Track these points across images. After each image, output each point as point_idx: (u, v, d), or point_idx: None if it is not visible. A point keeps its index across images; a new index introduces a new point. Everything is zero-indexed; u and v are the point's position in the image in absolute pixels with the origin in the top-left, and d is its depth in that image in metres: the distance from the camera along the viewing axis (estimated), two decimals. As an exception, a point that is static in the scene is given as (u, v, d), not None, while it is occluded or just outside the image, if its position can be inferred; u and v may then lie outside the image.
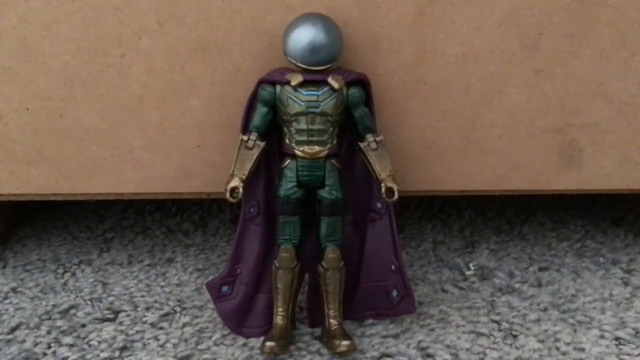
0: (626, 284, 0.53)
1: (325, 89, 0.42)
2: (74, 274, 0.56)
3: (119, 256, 0.59)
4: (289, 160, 0.43)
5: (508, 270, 0.55)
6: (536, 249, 0.59)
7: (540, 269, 0.55)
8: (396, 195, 0.43)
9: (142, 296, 0.52)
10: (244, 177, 0.42)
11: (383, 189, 0.43)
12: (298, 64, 0.43)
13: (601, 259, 0.57)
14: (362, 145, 0.44)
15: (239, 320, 0.45)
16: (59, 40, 0.46)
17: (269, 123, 0.43)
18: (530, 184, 0.51)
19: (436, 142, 0.49)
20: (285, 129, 0.43)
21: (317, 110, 0.42)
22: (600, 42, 0.47)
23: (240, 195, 0.41)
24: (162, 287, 0.53)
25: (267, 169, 0.45)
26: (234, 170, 0.42)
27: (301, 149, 0.43)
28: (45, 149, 0.49)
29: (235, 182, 0.42)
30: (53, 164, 0.49)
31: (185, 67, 0.47)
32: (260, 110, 0.43)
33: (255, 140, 0.43)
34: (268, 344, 0.41)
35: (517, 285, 0.53)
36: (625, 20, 0.47)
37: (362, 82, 0.44)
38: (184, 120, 0.48)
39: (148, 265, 0.57)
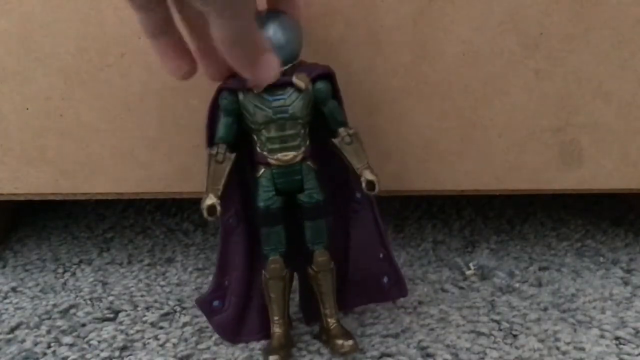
0: (626, 283, 0.53)
1: (291, 90, 0.40)
2: (73, 274, 0.56)
3: (119, 256, 0.59)
4: (263, 169, 0.41)
5: (508, 270, 0.55)
6: (536, 249, 0.59)
7: (541, 269, 0.55)
8: (377, 188, 0.41)
9: (142, 296, 0.52)
10: (219, 192, 0.40)
11: (364, 183, 0.41)
12: None
13: (601, 259, 0.57)
14: (335, 141, 0.42)
15: (235, 331, 0.45)
16: (59, 40, 0.46)
17: (235, 132, 0.41)
18: (530, 184, 0.51)
19: (436, 142, 0.49)
20: (254, 136, 0.41)
21: (287, 115, 0.40)
22: (600, 42, 0.47)
23: (218, 213, 0.39)
24: (162, 286, 0.53)
25: (239, 176, 0.43)
26: (207, 188, 0.40)
27: (275, 157, 0.40)
28: (45, 149, 0.49)
29: (212, 200, 0.40)
30: (53, 163, 0.49)
31: (185, 66, 0.47)
32: (225, 121, 0.41)
33: (224, 153, 0.40)
34: (272, 357, 0.41)
35: (517, 285, 0.53)
36: (625, 20, 0.47)
37: (327, 75, 0.41)
38: (184, 120, 0.48)
39: (148, 264, 0.57)
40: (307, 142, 0.41)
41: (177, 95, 0.47)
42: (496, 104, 0.48)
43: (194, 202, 0.69)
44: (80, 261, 0.58)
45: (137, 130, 0.48)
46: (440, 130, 0.49)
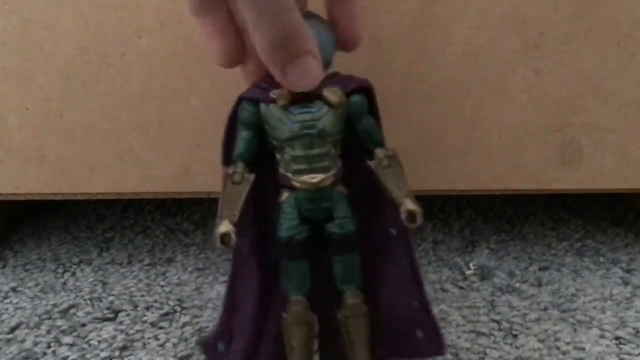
0: (626, 283, 0.53)
1: (321, 103, 0.34)
2: (73, 274, 0.56)
3: (119, 256, 0.59)
4: (287, 194, 0.35)
5: (508, 270, 0.55)
6: (536, 249, 0.59)
7: (541, 269, 0.55)
8: (419, 220, 0.33)
9: (142, 296, 0.52)
10: (235, 218, 0.33)
11: (403, 214, 0.33)
12: None
13: (601, 259, 0.57)
14: (371, 164, 0.35)
15: None
16: (59, 40, 0.46)
17: (255, 149, 0.35)
18: (530, 184, 0.51)
19: (436, 142, 0.49)
20: (277, 155, 0.35)
21: (314, 131, 0.34)
22: (600, 42, 0.47)
23: (233, 242, 0.32)
24: (162, 286, 0.53)
25: (257, 199, 0.36)
26: (221, 212, 0.33)
27: (300, 179, 0.34)
28: (45, 149, 0.49)
29: (226, 227, 0.32)
30: (53, 163, 0.49)
31: (185, 67, 0.47)
32: (244, 135, 0.35)
33: (242, 173, 0.34)
34: None
35: (517, 285, 0.53)
36: (625, 20, 0.47)
37: (364, 89, 0.36)
38: (184, 120, 0.48)
39: (148, 264, 0.57)
40: (339, 164, 0.35)
41: (177, 95, 0.47)
42: (496, 104, 0.48)
43: (194, 202, 0.69)
44: (80, 261, 0.58)
45: (137, 130, 0.48)
46: (441, 130, 0.49)
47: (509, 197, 0.67)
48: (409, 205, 0.33)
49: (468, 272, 0.55)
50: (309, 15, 0.35)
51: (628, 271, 0.55)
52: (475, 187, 0.51)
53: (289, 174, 0.34)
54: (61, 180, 0.50)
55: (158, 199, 0.67)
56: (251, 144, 0.35)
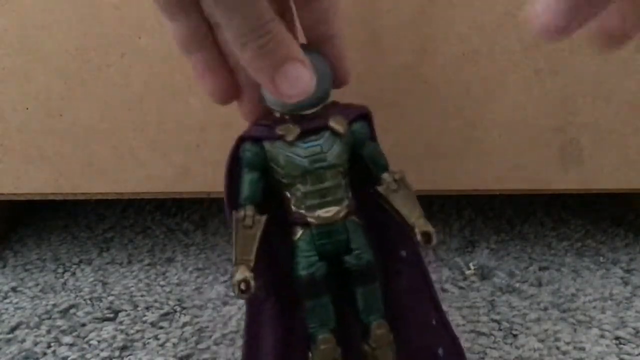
0: (626, 283, 0.53)
1: (326, 134, 0.34)
2: (73, 274, 0.56)
3: (119, 256, 0.59)
4: (301, 231, 0.34)
5: (508, 270, 0.55)
6: (536, 249, 0.59)
7: (541, 269, 0.55)
8: (434, 240, 0.34)
9: (142, 295, 0.52)
10: (252, 264, 0.32)
11: (418, 236, 0.34)
12: (284, 111, 0.33)
13: (601, 259, 0.57)
14: (380, 189, 0.35)
15: None
16: (59, 40, 0.46)
17: (262, 190, 0.34)
18: (530, 184, 0.51)
19: (436, 142, 0.49)
20: (287, 193, 0.34)
21: (325, 164, 0.33)
22: (600, 42, 0.47)
23: (252, 288, 0.32)
24: (162, 286, 0.53)
25: (267, 238, 0.34)
26: (237, 259, 0.33)
27: (314, 214, 0.33)
28: (45, 149, 0.49)
29: (244, 273, 0.32)
30: (53, 163, 0.49)
31: (185, 67, 0.47)
32: (249, 177, 0.34)
33: (253, 216, 0.33)
34: None
35: (517, 285, 0.53)
36: (625, 20, 0.47)
37: (363, 116, 0.36)
38: (184, 120, 0.48)
39: (148, 264, 0.57)
40: (350, 195, 0.35)
41: (177, 95, 0.47)
42: (496, 104, 0.48)
43: (194, 202, 0.69)
44: (80, 261, 0.58)
45: (137, 130, 0.48)
46: (441, 130, 0.49)
47: (509, 197, 0.67)
48: (423, 226, 0.33)
49: (468, 272, 0.55)
50: (306, 48, 0.33)
51: (628, 271, 0.55)
52: (475, 187, 0.51)
53: (302, 211, 0.34)
54: (61, 180, 0.50)
55: (158, 199, 0.67)
56: (258, 185, 0.34)
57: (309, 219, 0.34)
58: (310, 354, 0.34)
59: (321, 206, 0.34)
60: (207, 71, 0.33)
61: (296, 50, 0.30)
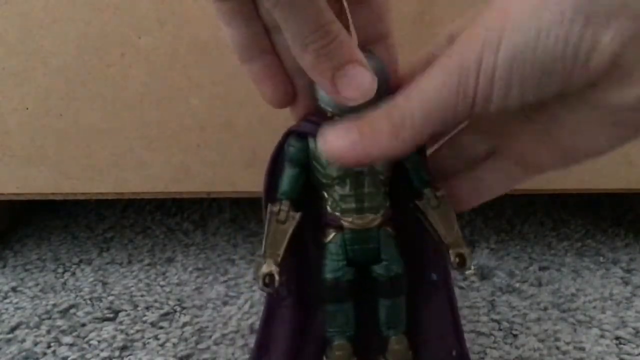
0: (626, 283, 0.53)
1: None
2: (73, 274, 0.56)
3: (119, 256, 0.59)
4: (333, 234, 0.33)
5: (508, 270, 0.55)
6: (536, 249, 0.59)
7: (541, 269, 0.55)
8: (469, 264, 0.33)
9: (142, 295, 0.52)
10: (279, 258, 0.32)
11: (452, 257, 0.33)
12: (338, 112, 0.32)
13: (601, 259, 0.57)
14: (420, 203, 0.33)
15: None
16: (59, 39, 0.46)
17: (301, 187, 0.33)
18: (530, 184, 0.50)
19: (436, 142, 0.49)
20: (324, 193, 0.34)
21: (366, 169, 0.32)
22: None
23: (276, 282, 0.32)
24: (162, 286, 0.53)
25: (297, 237, 0.34)
26: (265, 251, 0.32)
27: (349, 219, 0.33)
28: (45, 149, 0.49)
29: (270, 267, 0.32)
30: (53, 163, 0.49)
31: (185, 66, 0.47)
32: (290, 172, 0.33)
33: (288, 212, 0.33)
34: None
35: (517, 285, 0.53)
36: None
37: None
38: (184, 120, 0.48)
39: (148, 264, 0.57)
40: (387, 204, 0.34)
41: (177, 95, 0.47)
42: (496, 104, 0.48)
43: (194, 202, 0.69)
44: (80, 261, 0.58)
45: (137, 130, 0.48)
46: (440, 130, 0.49)
47: (509, 197, 0.67)
48: (459, 248, 0.32)
49: (468, 272, 0.55)
50: (363, 49, 0.32)
51: (628, 271, 0.55)
52: (475, 187, 0.51)
53: (337, 213, 0.33)
54: (61, 180, 0.50)
55: (158, 199, 0.67)
56: (297, 181, 0.33)
57: (343, 223, 0.33)
58: (324, 358, 0.34)
59: (357, 211, 0.33)
60: (266, 78, 0.33)
61: (357, 52, 0.29)
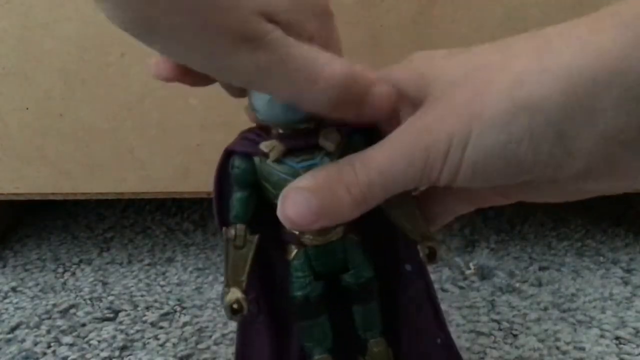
0: (626, 283, 0.53)
1: (323, 152, 0.30)
2: (73, 274, 0.56)
3: (119, 255, 0.59)
4: (295, 250, 0.32)
5: (508, 270, 0.55)
6: (536, 249, 0.59)
7: (541, 269, 0.55)
8: (440, 256, 0.32)
9: (142, 295, 0.52)
10: (243, 284, 0.31)
11: (422, 252, 0.32)
12: (272, 123, 0.30)
13: (601, 259, 0.57)
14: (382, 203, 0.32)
15: None
16: (59, 39, 0.46)
17: (254, 207, 0.31)
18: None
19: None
20: None
21: None
22: (600, 42, 0.47)
23: (245, 310, 0.30)
24: (162, 286, 0.53)
25: (263, 251, 0.33)
26: (227, 280, 0.31)
27: (309, 236, 0.31)
28: (45, 149, 0.49)
29: (235, 294, 0.30)
30: (53, 163, 0.49)
31: (185, 66, 0.47)
32: (240, 195, 0.31)
33: (244, 236, 0.31)
34: None
35: (517, 285, 0.53)
36: (625, 19, 0.47)
37: (362, 129, 0.32)
38: (184, 120, 0.48)
39: (148, 264, 0.57)
40: None
41: (177, 95, 0.47)
42: (496, 104, 0.48)
43: (194, 202, 0.69)
44: (80, 261, 0.58)
45: (137, 130, 0.48)
46: (440, 130, 0.49)
47: (509, 197, 0.67)
48: (427, 242, 0.32)
49: (468, 272, 0.55)
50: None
51: (628, 271, 0.55)
52: (475, 187, 0.51)
53: (296, 232, 0.31)
54: (61, 180, 0.50)
55: (158, 199, 0.67)
56: (249, 203, 0.31)
57: (303, 240, 0.32)
58: None
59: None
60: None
61: (369, 74, 0.28)
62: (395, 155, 0.27)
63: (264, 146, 0.30)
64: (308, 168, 0.30)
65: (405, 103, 0.29)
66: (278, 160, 0.30)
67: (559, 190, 0.27)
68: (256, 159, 0.31)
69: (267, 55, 0.24)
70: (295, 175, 0.29)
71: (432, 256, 0.32)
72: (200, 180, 0.50)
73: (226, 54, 0.24)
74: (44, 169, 0.49)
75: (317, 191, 0.27)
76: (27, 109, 0.48)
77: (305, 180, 0.28)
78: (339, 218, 0.28)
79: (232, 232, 0.31)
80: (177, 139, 0.49)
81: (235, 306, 0.30)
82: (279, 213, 0.28)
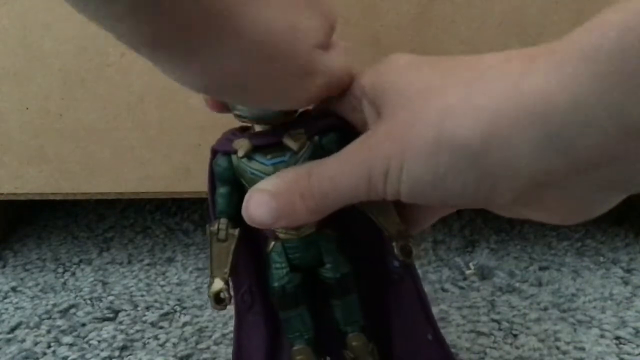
0: (626, 283, 0.53)
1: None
2: (73, 274, 0.56)
3: (119, 255, 0.59)
4: (273, 243, 0.33)
5: (508, 270, 0.55)
6: (536, 248, 0.59)
7: (541, 268, 0.55)
8: (415, 254, 0.33)
9: (142, 295, 0.52)
10: (227, 276, 0.33)
11: (396, 249, 0.32)
12: (245, 118, 0.32)
13: (601, 258, 0.57)
14: (357, 203, 0.32)
15: None
16: (59, 39, 0.46)
17: (238, 202, 0.32)
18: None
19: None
20: None
21: None
22: (600, 42, 0.47)
23: (227, 301, 0.32)
24: (162, 286, 0.53)
25: (252, 245, 0.35)
26: (212, 271, 0.33)
27: (281, 230, 0.33)
28: (45, 149, 0.49)
29: (218, 285, 0.32)
30: (53, 163, 0.49)
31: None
32: (222, 191, 0.33)
33: (226, 230, 0.33)
34: None
35: (517, 285, 0.53)
36: (625, 19, 0.47)
37: (336, 127, 0.32)
38: (184, 120, 0.48)
39: (148, 264, 0.57)
40: None
41: (177, 95, 0.47)
42: (496, 104, 0.48)
43: (194, 202, 0.69)
44: (80, 261, 0.58)
45: (137, 130, 0.48)
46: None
47: (509, 197, 0.67)
48: (401, 239, 0.32)
49: (468, 272, 0.55)
50: None
51: (628, 271, 0.55)
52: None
53: None
54: (61, 180, 0.50)
55: (158, 199, 0.67)
56: (231, 199, 0.33)
57: (278, 234, 0.33)
58: None
59: None
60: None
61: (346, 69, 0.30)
62: (347, 170, 0.28)
63: (235, 144, 0.32)
64: (277, 164, 0.31)
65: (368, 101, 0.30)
66: (248, 157, 0.31)
67: (514, 213, 0.27)
68: (233, 157, 0.32)
69: (321, 79, 0.28)
70: (265, 171, 0.31)
71: (407, 253, 0.32)
72: (200, 180, 0.49)
73: (291, 89, 0.27)
74: (44, 169, 0.49)
75: (276, 195, 0.29)
76: (27, 109, 0.48)
77: (267, 183, 0.29)
78: (296, 222, 0.30)
79: (215, 226, 0.33)
80: (177, 139, 0.49)
81: (222, 295, 0.32)
82: (243, 211, 0.30)
